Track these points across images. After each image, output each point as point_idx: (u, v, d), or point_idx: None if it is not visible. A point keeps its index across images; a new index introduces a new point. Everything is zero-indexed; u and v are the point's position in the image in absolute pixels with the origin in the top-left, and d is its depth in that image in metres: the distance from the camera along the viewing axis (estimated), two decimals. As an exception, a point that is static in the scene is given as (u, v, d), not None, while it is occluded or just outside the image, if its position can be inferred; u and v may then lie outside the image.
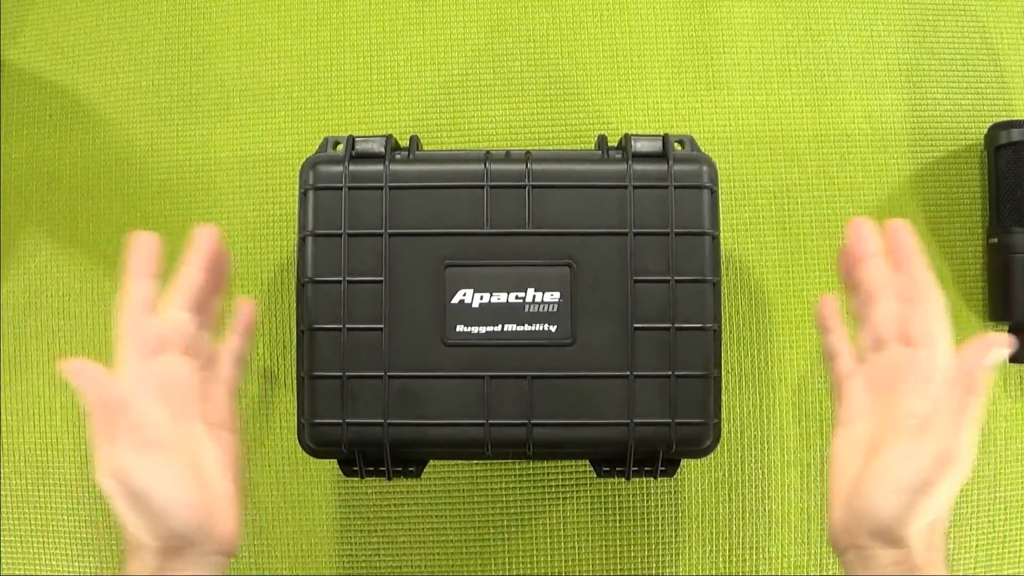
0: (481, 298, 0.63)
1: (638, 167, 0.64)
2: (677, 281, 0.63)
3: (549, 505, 0.77)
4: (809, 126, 0.79)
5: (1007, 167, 0.75)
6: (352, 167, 0.64)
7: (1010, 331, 0.76)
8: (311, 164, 0.64)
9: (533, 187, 0.63)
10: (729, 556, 0.77)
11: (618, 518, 0.77)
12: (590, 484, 0.77)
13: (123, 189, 0.79)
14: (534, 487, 0.77)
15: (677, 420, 0.63)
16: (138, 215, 0.79)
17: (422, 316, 0.63)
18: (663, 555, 0.77)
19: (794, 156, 0.79)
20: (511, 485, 0.78)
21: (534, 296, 0.63)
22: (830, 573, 0.77)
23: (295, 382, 0.65)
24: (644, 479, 0.77)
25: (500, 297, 0.63)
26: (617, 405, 0.63)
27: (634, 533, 0.77)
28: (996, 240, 0.76)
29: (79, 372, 0.53)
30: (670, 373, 0.63)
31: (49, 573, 0.78)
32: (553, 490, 0.78)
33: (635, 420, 0.63)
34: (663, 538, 0.77)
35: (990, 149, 0.77)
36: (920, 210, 0.79)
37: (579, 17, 0.80)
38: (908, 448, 0.52)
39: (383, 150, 0.65)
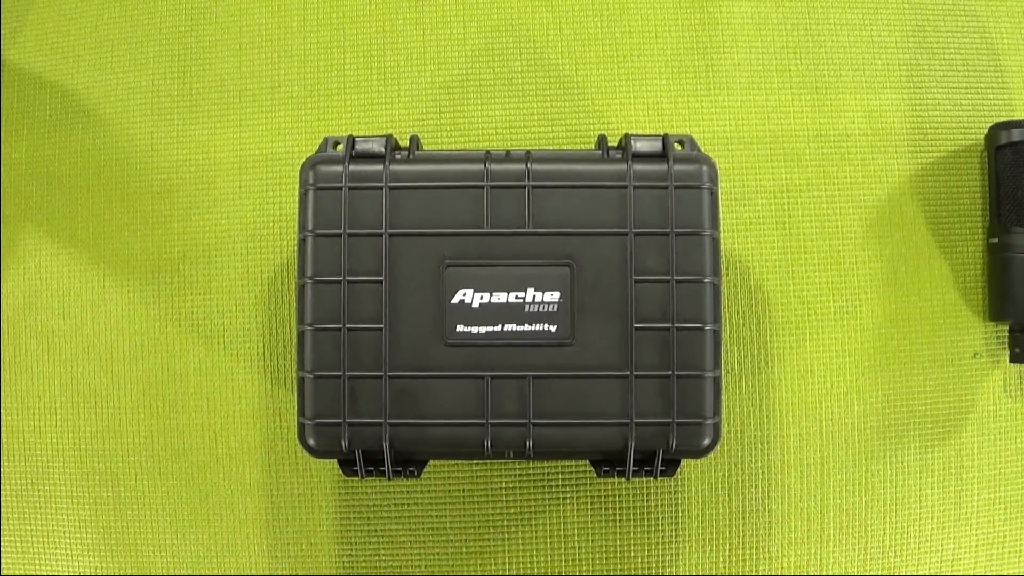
0: (481, 298, 0.63)
1: (638, 167, 0.64)
2: (677, 281, 0.63)
3: (549, 505, 0.77)
4: (809, 126, 0.79)
5: (1007, 167, 0.75)
6: (352, 167, 0.64)
7: (1010, 331, 0.76)
8: (311, 164, 0.64)
9: (533, 187, 0.63)
10: (729, 556, 0.77)
11: (618, 518, 0.77)
12: (590, 484, 0.77)
13: (123, 189, 0.79)
14: (534, 487, 0.78)
15: (677, 420, 0.63)
16: (138, 215, 0.79)
17: (422, 316, 0.63)
18: (663, 555, 0.77)
19: (794, 156, 0.79)
20: (511, 485, 0.78)
21: (534, 296, 0.63)
22: (830, 573, 0.77)
23: (295, 382, 0.65)
24: (644, 479, 0.77)
25: (500, 297, 0.63)
26: (617, 405, 0.63)
27: (634, 533, 0.77)
28: (996, 240, 0.76)
29: None
30: (670, 373, 0.63)
31: (49, 573, 0.78)
32: (553, 490, 0.78)
33: (635, 420, 0.63)
34: (663, 538, 0.77)
35: (990, 149, 0.77)
36: (920, 210, 0.79)
37: (579, 17, 0.80)
38: None
39: (383, 150, 0.65)
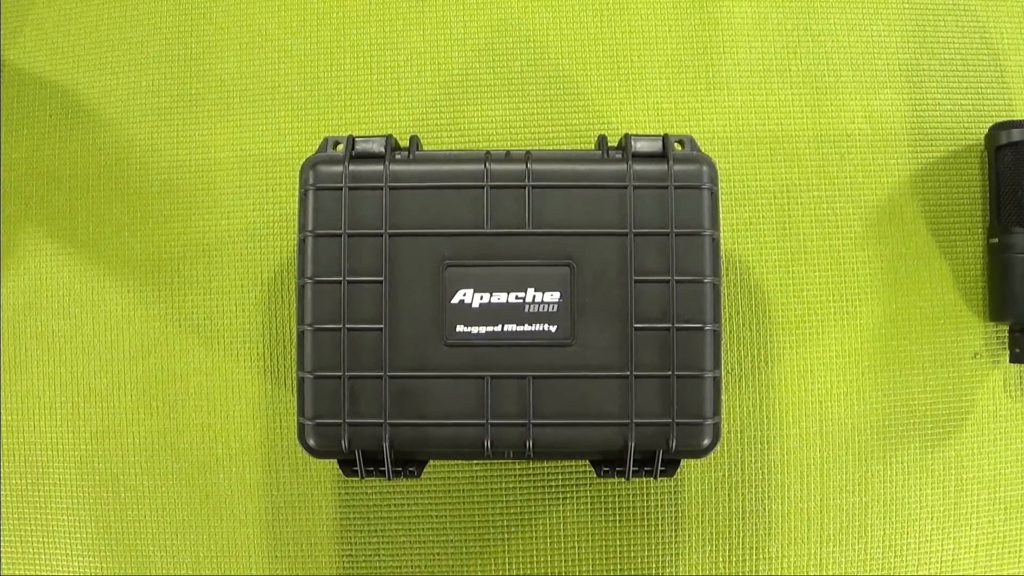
0: (481, 298, 0.63)
1: (638, 167, 0.64)
2: (677, 281, 0.63)
3: (549, 505, 0.77)
4: (809, 126, 0.79)
5: (1007, 167, 0.75)
6: (352, 167, 0.64)
7: (1010, 331, 0.76)
8: (311, 164, 0.64)
9: (533, 187, 0.63)
10: (729, 556, 0.77)
11: (618, 518, 0.77)
12: (590, 484, 0.77)
13: (123, 189, 0.79)
14: (534, 487, 0.78)
15: (677, 420, 0.63)
16: (138, 215, 0.79)
17: (422, 316, 0.63)
18: (663, 555, 0.77)
19: (794, 156, 0.79)
20: (511, 485, 0.78)
21: (534, 296, 0.63)
22: (830, 573, 0.77)
23: (295, 382, 0.65)
24: (644, 479, 0.77)
25: (500, 297, 0.63)
26: (617, 405, 0.63)
27: (634, 533, 0.77)
28: (996, 240, 0.76)
29: None
30: (670, 373, 0.63)
31: (49, 573, 0.78)
32: (553, 490, 0.78)
33: (635, 420, 0.63)
34: (663, 538, 0.77)
35: (990, 149, 0.77)
36: (920, 210, 0.79)
37: (579, 17, 0.80)
38: None
39: (383, 150, 0.65)
